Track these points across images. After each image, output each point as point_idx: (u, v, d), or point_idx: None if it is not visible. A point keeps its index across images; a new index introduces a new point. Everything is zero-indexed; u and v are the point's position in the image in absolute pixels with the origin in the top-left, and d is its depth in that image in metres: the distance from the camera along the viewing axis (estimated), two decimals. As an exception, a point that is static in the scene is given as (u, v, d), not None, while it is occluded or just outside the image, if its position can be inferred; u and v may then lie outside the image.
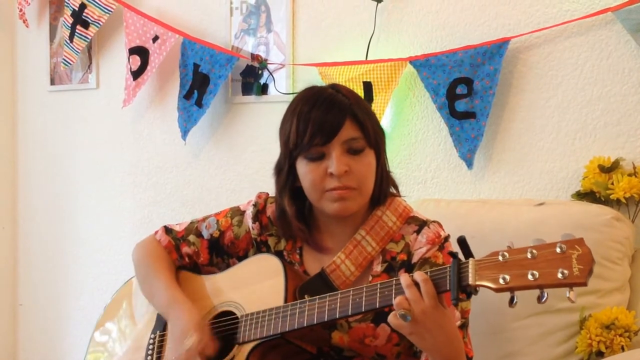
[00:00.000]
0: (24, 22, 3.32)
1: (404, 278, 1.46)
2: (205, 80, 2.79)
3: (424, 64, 2.40)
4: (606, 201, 2.11)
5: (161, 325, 1.86)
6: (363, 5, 2.56)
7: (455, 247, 1.47)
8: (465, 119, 2.33)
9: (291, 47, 2.74)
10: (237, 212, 1.87)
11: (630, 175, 2.11)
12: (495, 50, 2.29)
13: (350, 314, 1.54)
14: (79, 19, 3.08)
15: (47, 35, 3.37)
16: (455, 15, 2.43)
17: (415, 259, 1.68)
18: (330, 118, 1.64)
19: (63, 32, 3.18)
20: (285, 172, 1.72)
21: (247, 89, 2.84)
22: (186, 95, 2.86)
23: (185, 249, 1.88)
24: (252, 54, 2.80)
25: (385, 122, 2.48)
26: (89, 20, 3.07)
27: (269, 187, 1.88)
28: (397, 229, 1.71)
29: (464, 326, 1.66)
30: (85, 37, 3.10)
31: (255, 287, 1.72)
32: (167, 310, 1.79)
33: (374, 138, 1.68)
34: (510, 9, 2.33)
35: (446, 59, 2.36)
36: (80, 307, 3.35)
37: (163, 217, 3.02)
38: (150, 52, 2.92)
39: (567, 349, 2.03)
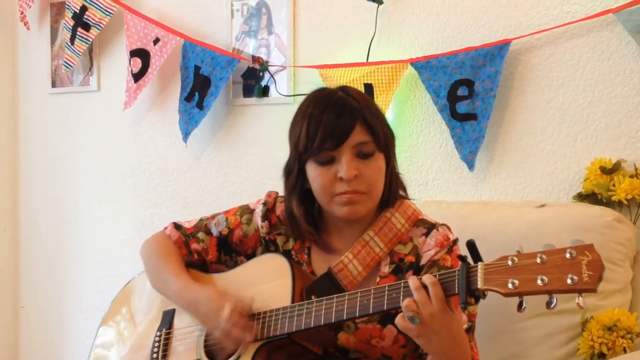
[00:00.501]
0: (25, 24, 3.33)
1: (412, 280, 1.46)
2: (206, 82, 2.79)
3: (424, 66, 2.40)
4: (608, 203, 2.11)
5: (167, 323, 1.86)
6: (364, 7, 2.56)
7: (463, 251, 1.47)
8: (466, 120, 2.33)
9: (292, 49, 2.74)
10: (247, 211, 1.87)
11: (631, 176, 2.11)
12: (496, 52, 2.29)
13: (357, 315, 1.54)
14: (80, 21, 3.08)
15: (48, 37, 3.38)
16: (456, 17, 2.43)
17: (423, 261, 1.68)
18: (340, 122, 1.64)
19: (64, 34, 3.18)
20: (295, 174, 1.72)
21: (248, 91, 2.84)
22: (187, 98, 2.86)
23: (194, 246, 1.89)
24: (253, 56, 2.80)
25: (386, 124, 2.48)
26: (90, 23, 3.07)
27: (271, 188, 1.88)
28: (405, 231, 1.71)
29: (470, 330, 1.65)
30: (86, 39, 3.10)
31: (262, 287, 1.72)
32: (183, 296, 1.78)
33: (384, 141, 1.69)
34: (511, 11, 2.33)
35: (447, 60, 2.36)
36: (82, 309, 3.35)
37: (164, 220, 2.99)
38: (151, 54, 2.92)
39: (569, 351, 2.03)
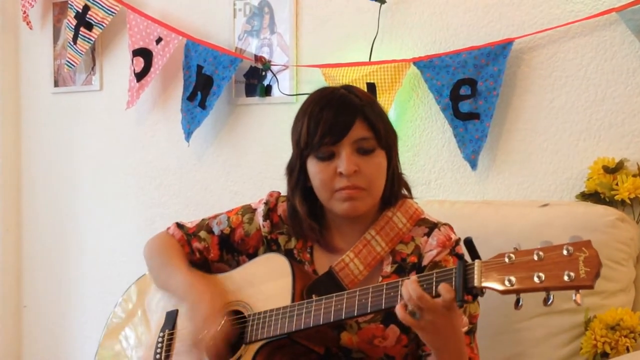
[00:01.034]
0: (27, 24, 3.33)
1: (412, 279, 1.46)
2: (209, 81, 2.79)
3: (427, 65, 2.39)
4: (611, 202, 2.11)
5: (170, 323, 1.87)
6: (366, 7, 2.56)
7: (462, 250, 1.47)
8: (469, 120, 2.33)
9: (294, 49, 2.74)
10: (248, 210, 1.88)
11: (634, 176, 2.11)
12: (499, 51, 2.28)
13: (356, 314, 1.54)
14: (83, 20, 3.08)
15: (50, 37, 3.38)
16: (459, 16, 2.42)
17: (425, 262, 1.67)
18: (340, 118, 1.65)
19: (66, 34, 3.18)
20: (297, 172, 1.73)
21: (250, 91, 2.84)
22: (190, 97, 2.86)
23: (196, 245, 1.89)
24: (255, 56, 2.80)
25: (389, 123, 2.47)
26: (93, 22, 3.07)
27: (273, 188, 1.88)
28: (407, 230, 1.71)
29: (471, 332, 1.65)
30: (88, 39, 3.10)
31: (263, 286, 1.73)
32: (185, 293, 1.78)
33: (385, 139, 1.69)
34: (514, 10, 2.33)
35: (450, 60, 2.36)
36: (84, 308, 3.35)
37: (166, 219, 3.01)
38: (153, 53, 2.92)
39: (572, 350, 2.02)
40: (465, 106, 2.33)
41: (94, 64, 3.24)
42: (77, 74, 3.30)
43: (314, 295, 1.62)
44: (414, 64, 2.43)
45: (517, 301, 1.34)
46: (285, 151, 1.79)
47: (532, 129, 2.31)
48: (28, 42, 3.47)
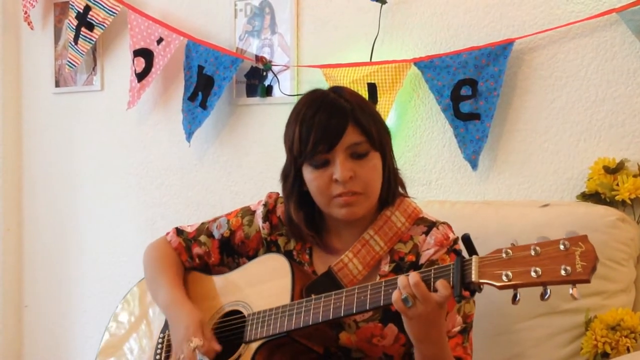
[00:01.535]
0: (28, 24, 3.33)
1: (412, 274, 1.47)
2: (210, 82, 2.79)
3: (428, 66, 2.40)
4: (611, 202, 2.11)
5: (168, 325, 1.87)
6: (367, 7, 2.56)
7: (460, 247, 1.47)
8: (469, 120, 2.33)
9: (295, 49, 2.74)
10: (248, 212, 1.88)
11: (635, 176, 2.11)
12: (499, 52, 2.29)
13: (355, 312, 1.55)
14: (84, 21, 3.09)
15: (51, 37, 3.38)
16: (460, 16, 2.42)
17: (422, 260, 1.68)
18: (332, 124, 1.64)
19: (68, 34, 3.18)
20: (292, 178, 1.73)
21: (251, 91, 2.84)
22: (190, 97, 2.86)
23: (197, 250, 1.90)
24: (256, 56, 2.80)
25: (389, 124, 2.46)
26: (94, 23, 3.07)
27: (274, 188, 1.88)
28: (405, 229, 1.71)
29: (465, 331, 1.66)
30: (89, 39, 3.10)
31: (262, 286, 1.73)
32: (168, 310, 1.81)
33: (379, 140, 1.68)
34: (515, 10, 2.33)
35: (450, 60, 2.36)
36: (85, 308, 3.35)
37: (167, 219, 3.02)
38: (154, 54, 2.92)
39: (573, 351, 2.03)
40: (465, 106, 2.33)
41: (95, 64, 3.24)
42: (78, 74, 3.30)
43: (312, 295, 1.62)
44: (415, 64, 2.43)
45: (515, 296, 1.35)
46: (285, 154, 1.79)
47: (532, 129, 2.31)
48: (29, 42, 3.47)
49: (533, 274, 1.32)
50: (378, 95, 2.45)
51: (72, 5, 3.12)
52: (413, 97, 2.51)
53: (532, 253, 1.34)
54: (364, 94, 2.42)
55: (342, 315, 1.56)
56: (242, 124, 2.88)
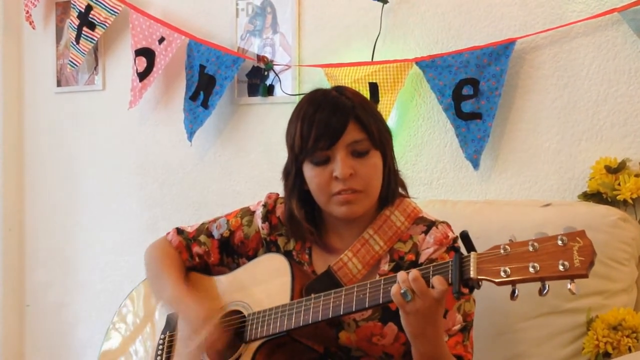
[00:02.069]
0: (30, 24, 3.33)
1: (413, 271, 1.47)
2: (211, 81, 2.79)
3: (429, 65, 2.40)
4: (613, 202, 2.11)
5: (171, 326, 1.87)
6: (369, 7, 2.56)
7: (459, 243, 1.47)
8: (471, 119, 2.33)
9: (297, 48, 2.74)
10: (247, 213, 1.88)
11: (637, 175, 2.11)
12: (501, 51, 2.28)
13: (354, 310, 1.55)
14: (85, 20, 3.09)
15: (53, 37, 3.38)
16: (461, 16, 2.42)
17: (422, 259, 1.68)
18: (333, 121, 1.65)
19: (69, 33, 3.19)
20: (293, 175, 1.73)
21: (253, 90, 2.84)
22: (192, 97, 2.86)
23: (196, 249, 1.90)
24: (257, 55, 2.80)
25: (391, 123, 2.47)
26: (95, 22, 3.08)
27: (275, 188, 1.88)
28: (405, 229, 1.71)
29: (465, 329, 1.66)
30: (91, 38, 3.10)
31: (262, 286, 1.73)
32: (175, 305, 1.80)
33: (379, 139, 1.69)
34: (516, 10, 2.33)
35: (452, 59, 2.36)
36: (87, 308, 3.36)
37: (169, 219, 3.02)
38: (156, 53, 2.92)
39: (574, 350, 2.02)
40: (467, 106, 2.33)
41: (97, 64, 3.24)
42: (80, 74, 3.30)
43: (312, 294, 1.62)
44: (417, 63, 2.43)
45: (513, 292, 1.35)
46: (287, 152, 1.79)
47: (534, 128, 2.31)
48: (31, 42, 3.47)
49: (531, 269, 1.32)
50: (379, 95, 2.45)
51: (73, 4, 3.12)
52: (414, 97, 2.51)
53: (530, 249, 1.34)
54: (366, 93, 2.42)
55: (341, 313, 1.56)
56: (244, 123, 2.88)
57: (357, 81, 2.46)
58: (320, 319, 1.58)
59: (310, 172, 1.69)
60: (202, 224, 1.94)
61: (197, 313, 1.72)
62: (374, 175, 1.69)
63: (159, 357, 1.85)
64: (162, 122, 3.08)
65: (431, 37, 2.48)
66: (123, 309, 2.02)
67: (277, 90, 2.77)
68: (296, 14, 2.74)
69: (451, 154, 2.45)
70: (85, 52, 3.13)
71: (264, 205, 1.86)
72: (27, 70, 3.50)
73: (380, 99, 2.44)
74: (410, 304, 1.45)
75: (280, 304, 1.64)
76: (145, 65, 2.94)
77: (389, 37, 2.55)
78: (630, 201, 2.09)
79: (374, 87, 2.45)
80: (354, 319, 1.67)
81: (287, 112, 1.78)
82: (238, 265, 1.87)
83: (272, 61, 2.76)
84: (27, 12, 3.31)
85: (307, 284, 1.68)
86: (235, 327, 1.72)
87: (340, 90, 1.73)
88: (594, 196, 2.15)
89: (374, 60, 2.53)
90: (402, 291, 1.45)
